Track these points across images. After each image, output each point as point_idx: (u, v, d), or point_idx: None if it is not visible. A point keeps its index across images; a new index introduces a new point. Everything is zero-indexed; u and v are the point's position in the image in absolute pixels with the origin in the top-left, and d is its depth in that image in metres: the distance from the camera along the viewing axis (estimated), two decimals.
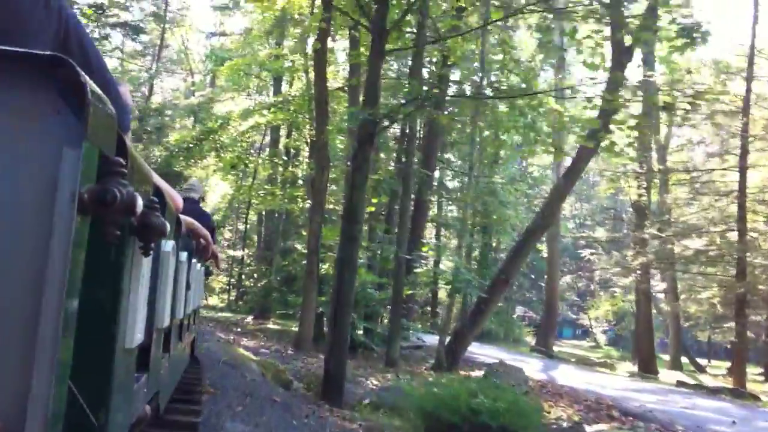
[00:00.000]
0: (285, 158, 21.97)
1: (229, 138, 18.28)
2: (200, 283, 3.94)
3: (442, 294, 37.94)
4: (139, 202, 1.02)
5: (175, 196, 2.49)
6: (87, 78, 0.93)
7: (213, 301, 34.93)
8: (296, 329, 22.00)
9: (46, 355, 0.87)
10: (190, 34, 34.92)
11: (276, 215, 25.03)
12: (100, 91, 0.99)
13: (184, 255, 2.38)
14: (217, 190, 35.44)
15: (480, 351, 20.88)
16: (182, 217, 2.54)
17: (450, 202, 32.45)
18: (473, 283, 13.49)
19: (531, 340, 43.06)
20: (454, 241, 24.10)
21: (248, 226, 35.09)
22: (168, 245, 1.79)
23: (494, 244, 32.68)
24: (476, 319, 14.15)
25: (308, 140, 20.30)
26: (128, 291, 1.25)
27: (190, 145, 16.58)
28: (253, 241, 37.08)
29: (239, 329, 17.79)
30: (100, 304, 1.13)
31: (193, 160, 16.68)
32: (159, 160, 16.40)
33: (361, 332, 14.94)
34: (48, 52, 0.93)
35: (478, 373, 14.15)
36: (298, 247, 21.20)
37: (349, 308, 7.60)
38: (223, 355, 8.17)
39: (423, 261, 14.22)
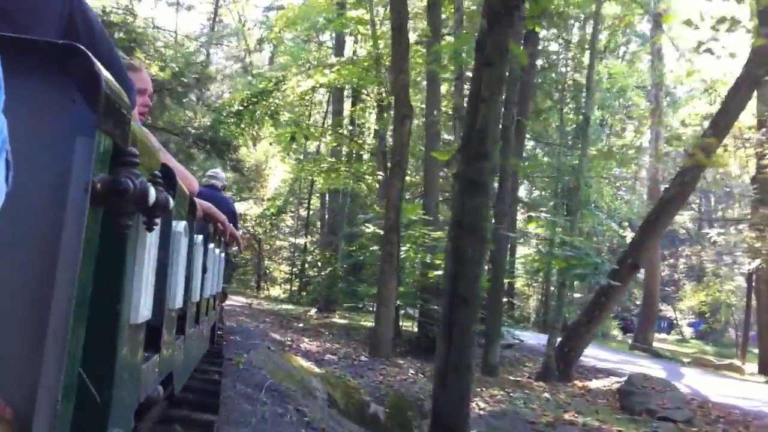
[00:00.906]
0: (350, 128, 19.27)
1: (285, 102, 15.67)
2: (219, 268, 3.80)
3: (519, 283, 34.86)
4: (152, 193, 1.07)
5: (189, 179, 2.55)
6: (101, 68, 0.94)
7: (275, 291, 32.74)
8: (365, 323, 19.53)
9: (56, 343, 0.89)
10: (246, 8, 32.69)
11: (341, 196, 22.38)
12: (114, 81, 0.99)
13: (199, 238, 2.49)
14: (276, 174, 33.16)
15: None
16: (199, 201, 2.66)
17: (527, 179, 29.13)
18: (602, 268, 10.44)
19: (618, 334, 39.44)
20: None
21: (311, 211, 32.68)
22: (180, 226, 1.84)
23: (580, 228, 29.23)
24: (596, 315, 11.15)
25: (376, 105, 17.54)
26: (132, 266, 1.24)
27: (240, 108, 14.09)
28: (317, 227, 34.80)
29: (300, 325, 15.25)
30: (104, 279, 1.09)
31: (243, 126, 14.16)
32: (202, 122, 13.89)
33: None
34: (62, 41, 0.96)
35: (599, 384, 11.11)
36: (367, 230, 18.49)
37: (475, 304, 4.74)
38: (272, 371, 5.45)
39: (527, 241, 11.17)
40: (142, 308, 1.33)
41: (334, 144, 18.46)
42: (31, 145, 0.90)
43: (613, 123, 31.81)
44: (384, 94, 16.16)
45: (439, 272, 10.53)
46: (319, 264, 32.54)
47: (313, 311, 21.47)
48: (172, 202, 1.27)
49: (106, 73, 0.95)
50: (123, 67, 1.72)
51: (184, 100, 11.98)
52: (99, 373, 1.10)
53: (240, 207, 30.93)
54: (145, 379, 1.53)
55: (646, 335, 25.44)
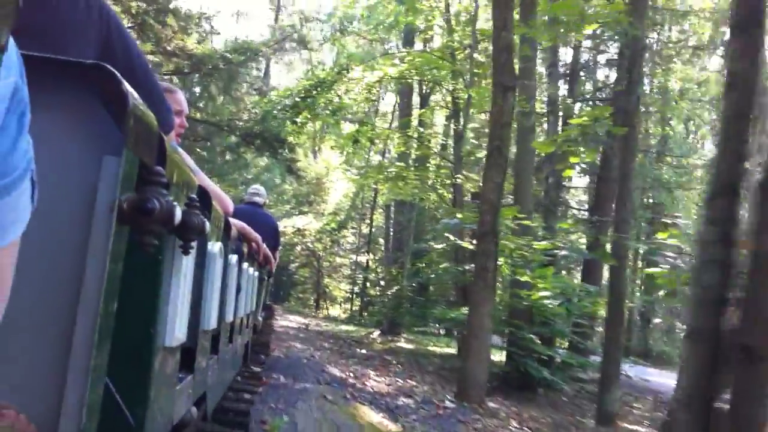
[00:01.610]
0: (420, 129, 17.30)
1: (349, 99, 13.81)
2: (253, 287, 3.77)
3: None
4: (178, 213, 1.08)
5: (224, 200, 2.61)
6: (129, 87, 0.95)
7: (334, 311, 30.95)
8: (434, 349, 17.43)
9: (81, 361, 0.91)
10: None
11: (408, 208, 20.40)
12: (141, 101, 1.00)
13: (233, 258, 2.47)
14: (338, 188, 31.52)
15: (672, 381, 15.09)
16: (233, 221, 2.66)
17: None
18: None
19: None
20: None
21: (373, 226, 30.84)
22: (215, 247, 1.87)
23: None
24: None
25: (451, 103, 15.52)
26: (168, 289, 1.26)
27: (297, 99, 12.31)
28: (380, 244, 32.91)
29: (363, 351, 13.25)
30: (140, 302, 1.12)
31: (299, 122, 12.40)
32: (252, 115, 12.12)
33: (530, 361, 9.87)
34: (90, 61, 0.97)
35: None
36: (437, 246, 16.41)
37: None
38: None
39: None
40: (177, 331, 1.33)
41: (402, 148, 16.49)
42: (59, 164, 0.91)
43: None
44: (460, 89, 14.16)
45: (543, 293, 8.42)
46: (382, 283, 30.71)
47: (376, 334, 19.49)
48: (208, 226, 1.28)
49: (133, 93, 0.95)
50: (160, 89, 1.74)
51: (232, 85, 10.26)
52: (133, 395, 1.11)
53: (299, 222, 29.38)
54: (179, 400, 1.53)
55: None
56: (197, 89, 11.88)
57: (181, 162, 1.26)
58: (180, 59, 8.99)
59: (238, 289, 2.77)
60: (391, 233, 24.80)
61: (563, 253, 10.24)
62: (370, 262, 30.92)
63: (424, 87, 17.59)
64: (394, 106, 19.78)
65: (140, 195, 0.97)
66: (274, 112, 11.66)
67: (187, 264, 1.36)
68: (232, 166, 15.25)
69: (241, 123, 11.24)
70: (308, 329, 16.60)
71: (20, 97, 0.69)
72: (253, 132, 10.81)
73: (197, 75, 9.87)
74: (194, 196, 1.28)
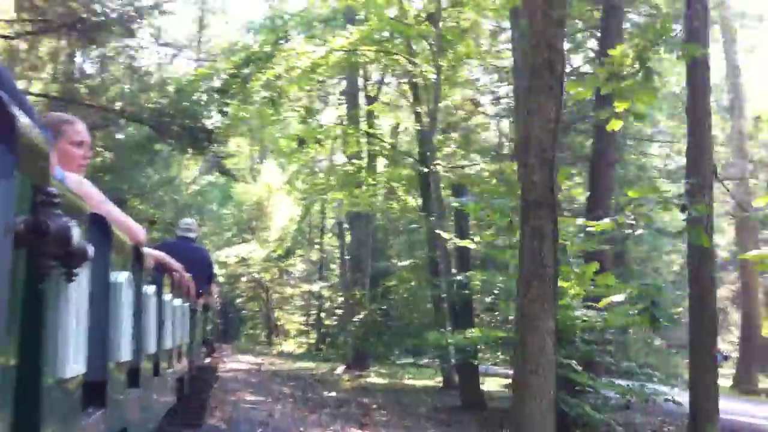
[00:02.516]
0: (375, 124, 14.79)
1: (289, 81, 11.11)
2: (182, 320, 3.80)
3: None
4: (75, 233, 1.04)
5: (133, 229, 2.54)
6: (16, 109, 0.95)
7: (288, 346, 27.96)
8: (416, 383, 14.83)
9: None
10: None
11: (363, 221, 17.83)
12: (29, 122, 1.00)
13: (150, 288, 2.42)
14: (282, 212, 28.69)
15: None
16: (151, 251, 2.84)
17: None
18: None
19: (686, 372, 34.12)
20: None
21: (324, 250, 28.08)
22: (120, 276, 1.80)
23: None
24: None
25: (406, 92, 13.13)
26: (55, 319, 1.20)
27: (226, 77, 9.62)
28: (333, 269, 30.15)
29: (333, 393, 10.55)
30: (23, 335, 1.04)
31: (228, 112, 9.75)
32: (167, 98, 9.28)
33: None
34: None
35: None
36: (401, 263, 13.90)
37: None
38: None
39: None
40: (71, 362, 1.27)
41: (354, 148, 13.92)
42: None
43: None
44: (422, 65, 11.75)
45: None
46: (339, 311, 27.95)
47: (340, 369, 16.79)
48: (91, 252, 1.20)
49: (20, 114, 0.95)
50: (32, 112, 1.60)
51: (133, 55, 7.53)
52: (22, 430, 1.05)
53: (242, 250, 26.42)
54: None
55: (751, 375, 20.52)
56: (79, 59, 9.26)
57: (58, 186, 1.17)
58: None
59: (160, 321, 2.72)
60: (346, 254, 22.10)
61: (639, 232, 7.72)
62: (324, 290, 28.15)
63: (376, 73, 15.08)
64: (339, 97, 17.07)
65: (34, 216, 0.95)
66: (196, 96, 9.07)
67: (76, 292, 1.29)
68: (143, 168, 12.47)
69: (149, 106, 8.57)
70: (261, 370, 13.79)
71: None
72: (166, 117, 8.13)
73: (74, 35, 7.24)
74: (78, 219, 1.19)
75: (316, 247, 28.66)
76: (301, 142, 13.23)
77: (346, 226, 22.18)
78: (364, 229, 17.89)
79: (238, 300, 30.03)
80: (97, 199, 2.41)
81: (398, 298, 13.66)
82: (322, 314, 27.72)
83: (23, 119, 0.96)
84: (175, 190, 17.07)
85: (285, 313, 30.20)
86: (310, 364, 19.02)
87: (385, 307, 12.98)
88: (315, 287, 28.15)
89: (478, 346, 8.58)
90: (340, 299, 28.16)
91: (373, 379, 15.09)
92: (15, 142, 0.91)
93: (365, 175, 13.42)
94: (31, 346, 1.08)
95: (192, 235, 6.52)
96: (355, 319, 13.26)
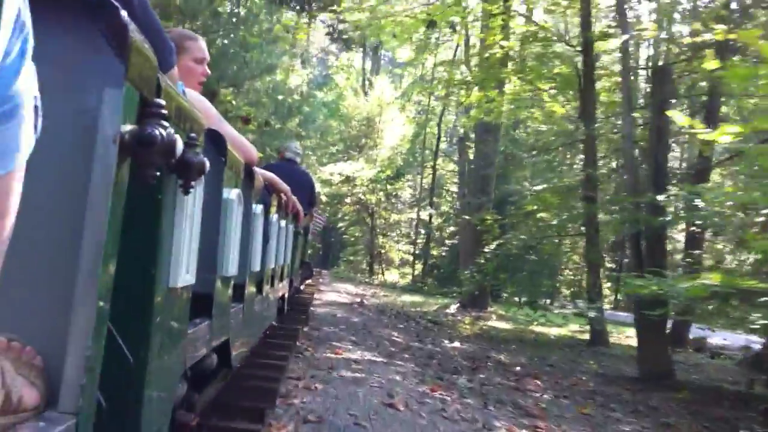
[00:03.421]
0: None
1: None
2: (285, 241, 3.83)
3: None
4: (180, 145, 1.07)
5: (246, 148, 2.53)
6: (129, 20, 0.95)
7: (391, 275, 25.83)
8: (549, 330, 12.06)
9: (86, 291, 0.90)
10: None
11: (492, 135, 14.86)
12: (141, 35, 1.00)
13: (258, 207, 2.48)
14: (393, 127, 26.01)
15: None
16: (260, 171, 2.77)
17: None
18: None
19: None
20: None
21: (436, 172, 25.20)
22: (232, 193, 1.83)
23: None
24: None
25: None
26: (170, 230, 1.24)
27: None
28: (443, 198, 27.45)
29: (456, 343, 7.97)
30: (139, 242, 1.11)
31: None
32: None
33: None
34: None
35: None
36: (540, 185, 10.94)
37: None
38: None
39: None
40: (183, 272, 1.31)
41: (498, 36, 10.83)
42: (60, 96, 0.90)
43: None
44: None
45: None
46: (448, 242, 25.38)
47: (452, 307, 14.26)
48: (208, 166, 1.23)
49: (133, 26, 0.95)
50: (160, 27, 1.77)
51: None
52: (134, 335, 1.10)
53: (347, 168, 24.07)
54: (193, 345, 1.54)
55: None
56: None
57: (180, 99, 1.22)
58: None
59: (266, 240, 2.75)
60: (465, 175, 19.16)
61: None
62: (433, 217, 25.55)
63: None
64: None
65: (141, 127, 0.96)
66: None
67: (191, 205, 1.32)
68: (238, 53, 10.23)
69: None
70: (363, 304, 11.42)
71: (23, 21, 0.68)
72: None
73: None
74: (194, 135, 1.21)
75: (428, 169, 25.85)
76: (431, 23, 10.34)
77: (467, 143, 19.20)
78: (493, 145, 14.92)
79: (340, 224, 28.00)
80: (215, 117, 2.42)
81: (534, 227, 10.73)
82: (431, 244, 25.25)
83: (136, 32, 0.96)
84: (277, 88, 14.64)
85: (389, 240, 27.97)
86: (417, 298, 16.66)
87: (524, 236, 10.10)
88: (424, 214, 25.64)
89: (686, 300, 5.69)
90: (451, 228, 25.65)
91: (495, 322, 12.46)
92: (126, 53, 0.92)
93: (510, 70, 10.39)
94: (147, 253, 1.13)
95: (297, 158, 6.55)
96: (486, 250, 10.51)
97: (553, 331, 11.95)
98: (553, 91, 11.55)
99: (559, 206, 10.49)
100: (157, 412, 1.22)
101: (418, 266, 25.20)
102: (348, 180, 24.38)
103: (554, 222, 10.08)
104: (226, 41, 11.22)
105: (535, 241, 10.18)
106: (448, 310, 13.96)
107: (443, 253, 25.59)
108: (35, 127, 0.75)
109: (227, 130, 2.42)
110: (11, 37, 0.65)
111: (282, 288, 4.15)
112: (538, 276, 10.96)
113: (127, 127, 0.93)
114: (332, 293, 13.11)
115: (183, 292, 1.37)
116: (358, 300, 12.10)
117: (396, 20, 10.38)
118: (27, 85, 0.70)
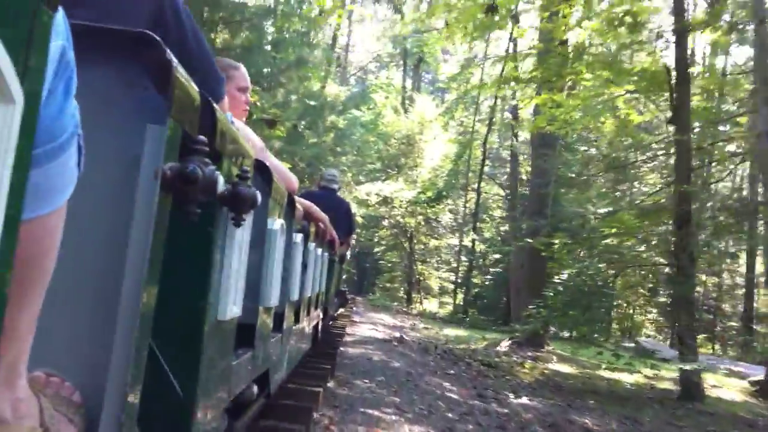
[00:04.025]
0: None
1: None
2: (321, 269, 3.80)
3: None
4: (221, 181, 1.05)
5: (288, 178, 2.57)
6: (173, 57, 0.95)
7: (430, 305, 24.06)
8: (619, 376, 10.10)
9: (125, 329, 0.88)
10: None
11: (550, 148, 13.09)
12: (184, 71, 1.00)
13: (298, 237, 2.45)
14: (434, 147, 24.34)
15: None
16: (299, 200, 2.74)
17: None
18: None
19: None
20: None
21: (479, 195, 23.38)
22: (276, 224, 1.81)
23: None
24: None
25: None
26: (220, 262, 1.22)
27: None
28: (486, 223, 25.58)
29: (521, 400, 6.19)
30: (189, 274, 1.11)
31: None
32: None
33: None
34: (136, 29, 0.96)
35: None
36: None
37: None
38: None
39: None
40: (231, 304, 1.29)
41: (565, 27, 9.12)
42: (103, 132, 0.90)
43: None
44: None
45: None
46: (492, 270, 23.50)
47: (504, 344, 12.40)
48: (259, 198, 1.22)
49: (176, 62, 0.95)
50: (211, 59, 1.74)
51: None
52: (182, 368, 1.09)
53: (385, 188, 22.43)
54: (237, 376, 1.51)
55: None
56: None
57: (233, 132, 1.23)
58: None
59: (304, 269, 2.73)
60: (517, 196, 17.34)
61: None
62: (475, 243, 23.70)
63: None
64: None
65: (183, 163, 0.96)
66: None
67: (240, 237, 1.32)
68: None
69: None
70: (403, 341, 9.68)
71: (67, 60, 0.68)
72: None
73: None
74: (247, 168, 1.24)
75: (472, 191, 24.04)
76: (491, 8, 8.74)
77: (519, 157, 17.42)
78: (552, 160, 13.12)
79: (376, 249, 26.33)
80: (259, 146, 2.38)
81: (615, 254, 8.89)
82: (473, 272, 23.39)
83: (179, 67, 0.96)
84: (308, 94, 13.17)
85: (429, 267, 26.16)
86: (461, 332, 14.86)
87: (603, 264, 8.27)
88: (466, 239, 23.82)
89: None
90: (495, 256, 23.78)
91: (556, 365, 10.61)
92: (169, 89, 0.92)
93: (584, 65, 8.68)
94: (197, 286, 1.12)
95: (335, 186, 6.60)
96: (556, 280, 8.72)
97: (625, 378, 10.05)
98: (629, 95, 9.78)
99: (640, 230, 8.69)
100: None
101: (459, 295, 23.38)
102: (386, 201, 22.75)
103: (640, 248, 8.23)
104: (250, 33, 9.82)
105: (617, 270, 8.36)
106: (499, 348, 12.12)
107: (486, 282, 23.72)
108: (78, 163, 0.75)
109: (271, 160, 2.44)
110: (55, 77, 0.64)
111: (316, 317, 4.12)
112: (597, 311, 9.11)
113: (169, 164, 0.94)
114: (367, 325, 11.39)
115: (230, 325, 1.39)
116: (397, 335, 10.35)
117: (449, 3, 8.81)
118: (71, 124, 0.70)
